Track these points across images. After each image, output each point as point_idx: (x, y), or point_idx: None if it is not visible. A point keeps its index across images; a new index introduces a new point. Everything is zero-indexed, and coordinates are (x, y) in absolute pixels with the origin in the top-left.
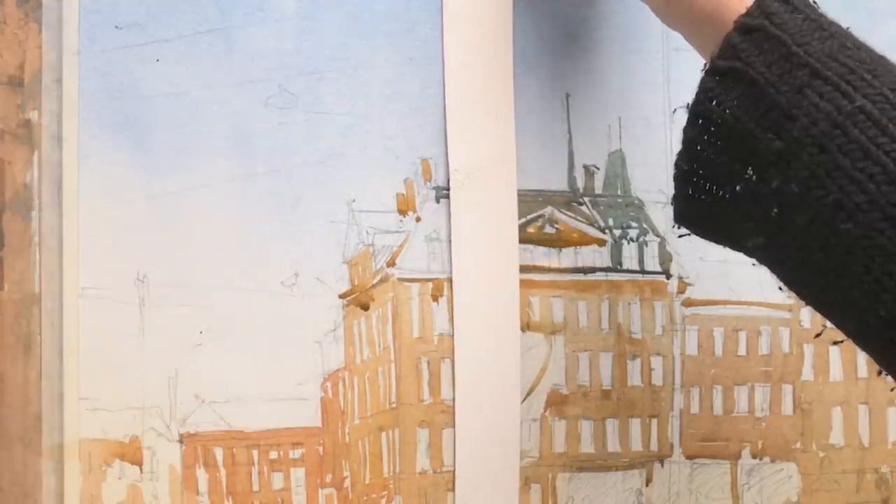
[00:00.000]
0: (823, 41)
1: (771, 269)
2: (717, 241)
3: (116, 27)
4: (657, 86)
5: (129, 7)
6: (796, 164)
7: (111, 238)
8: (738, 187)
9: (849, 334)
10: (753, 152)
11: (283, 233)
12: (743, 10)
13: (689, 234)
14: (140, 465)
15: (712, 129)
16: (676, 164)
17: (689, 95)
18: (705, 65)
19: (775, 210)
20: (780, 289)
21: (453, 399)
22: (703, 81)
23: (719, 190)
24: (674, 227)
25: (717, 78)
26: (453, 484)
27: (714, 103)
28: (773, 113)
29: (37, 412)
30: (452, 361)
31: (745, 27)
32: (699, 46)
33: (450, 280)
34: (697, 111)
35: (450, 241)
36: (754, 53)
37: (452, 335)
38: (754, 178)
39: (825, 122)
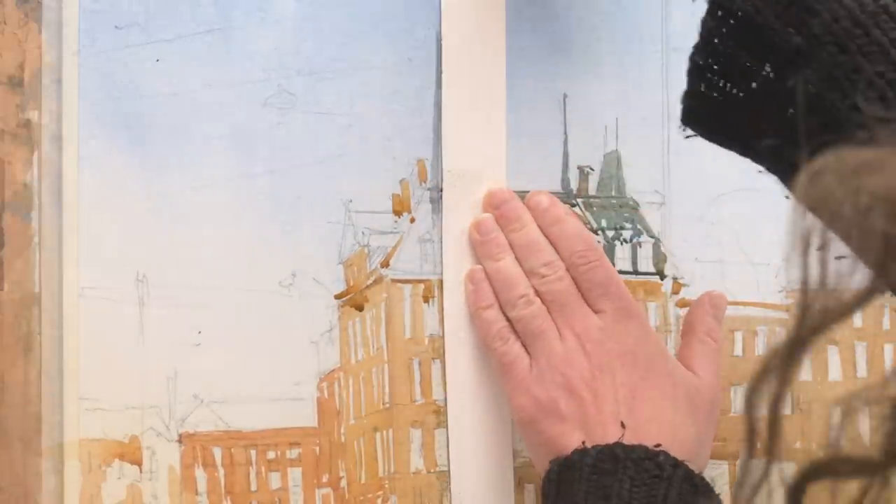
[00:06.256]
0: None
1: (780, 177)
2: (726, 144)
3: (116, 27)
4: (655, 86)
5: (129, 7)
6: (815, 63)
7: (111, 238)
8: (753, 84)
9: None
10: (772, 48)
11: (282, 233)
12: None
13: (695, 136)
14: (139, 465)
15: (732, 21)
16: (691, 58)
17: None
18: None
19: (791, 110)
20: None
21: (444, 400)
22: None
23: (734, 87)
24: (681, 127)
25: None
26: (448, 484)
27: None
28: (795, 6)
29: (37, 412)
30: (443, 362)
31: None
32: None
33: (440, 281)
34: (718, 1)
35: (441, 242)
36: None
37: (443, 336)
38: (771, 75)
39: (847, 20)
